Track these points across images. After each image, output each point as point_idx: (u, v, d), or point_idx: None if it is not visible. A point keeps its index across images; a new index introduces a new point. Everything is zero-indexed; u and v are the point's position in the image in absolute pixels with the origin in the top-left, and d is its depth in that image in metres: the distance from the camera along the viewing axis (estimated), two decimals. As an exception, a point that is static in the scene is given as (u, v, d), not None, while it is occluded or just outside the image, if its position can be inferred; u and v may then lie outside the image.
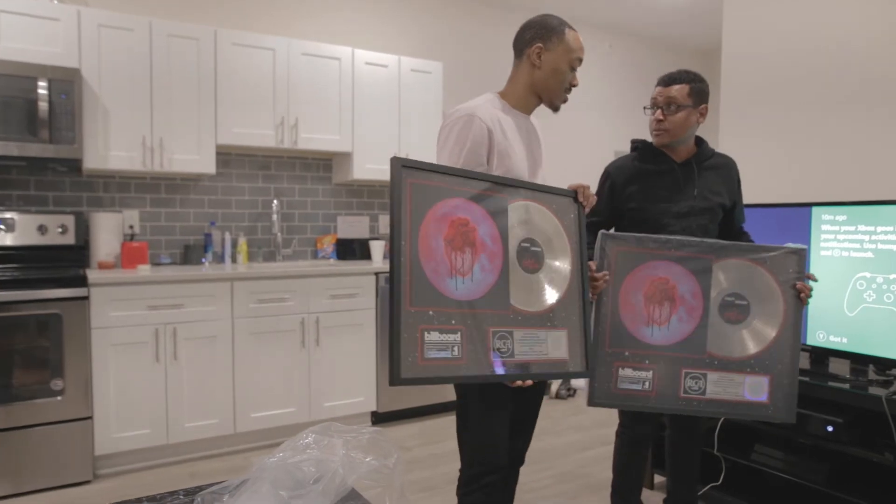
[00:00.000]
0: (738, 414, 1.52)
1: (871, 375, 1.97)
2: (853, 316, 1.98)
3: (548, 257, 1.42)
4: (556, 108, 1.59)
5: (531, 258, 1.40)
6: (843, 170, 2.46)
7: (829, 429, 1.88)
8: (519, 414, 1.64)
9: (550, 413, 3.51)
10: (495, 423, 1.47)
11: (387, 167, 3.62)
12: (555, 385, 3.94)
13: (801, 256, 1.57)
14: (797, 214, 2.15)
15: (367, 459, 1.22)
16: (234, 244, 3.43)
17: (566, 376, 1.40)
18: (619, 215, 1.79)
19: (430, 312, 1.28)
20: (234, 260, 3.40)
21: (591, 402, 1.52)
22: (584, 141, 4.90)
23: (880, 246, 1.93)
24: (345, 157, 3.55)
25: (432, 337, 1.28)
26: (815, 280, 1.58)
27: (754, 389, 1.53)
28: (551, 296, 1.40)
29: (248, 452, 2.96)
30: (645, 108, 1.74)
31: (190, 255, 3.26)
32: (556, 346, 1.39)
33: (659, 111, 1.69)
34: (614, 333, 1.53)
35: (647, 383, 1.53)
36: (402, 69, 3.62)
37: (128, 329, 2.56)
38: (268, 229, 3.52)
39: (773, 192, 2.67)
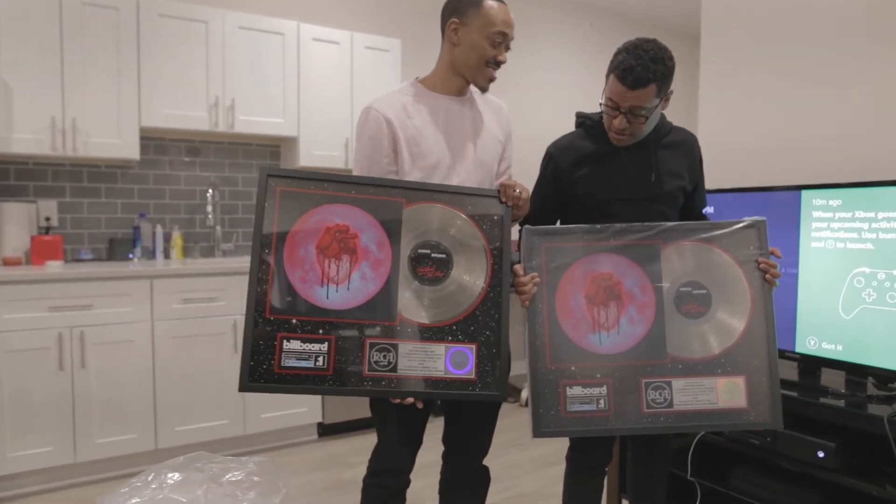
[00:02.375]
0: (716, 425, 1.47)
1: (871, 390, 1.92)
2: (850, 319, 1.91)
3: (456, 264, 1.46)
4: (482, 88, 1.65)
5: (431, 265, 1.43)
6: (837, 145, 2.35)
7: (820, 454, 1.82)
8: (449, 427, 1.73)
9: (518, 422, 3.58)
10: (389, 433, 1.61)
11: (338, 154, 3.66)
12: (524, 392, 3.95)
13: (761, 230, 1.53)
14: (783, 200, 2.08)
15: (250, 496, 1.19)
16: (168, 238, 3.54)
17: (469, 397, 1.47)
18: (565, 204, 1.76)
19: (294, 321, 1.31)
20: (166, 256, 3.51)
21: (537, 432, 1.47)
22: (564, 122, 4.84)
23: (882, 235, 1.85)
24: (292, 143, 3.67)
25: (293, 346, 1.33)
26: (779, 256, 1.53)
27: (730, 394, 1.48)
28: (457, 306, 1.43)
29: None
30: (601, 104, 1.62)
31: (116, 250, 3.37)
32: (459, 362, 1.42)
33: (621, 118, 1.58)
34: (555, 346, 1.49)
35: (602, 401, 1.48)
36: (356, 47, 3.69)
37: (25, 333, 2.65)
38: (207, 222, 3.59)
39: (755, 173, 2.62)
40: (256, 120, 3.43)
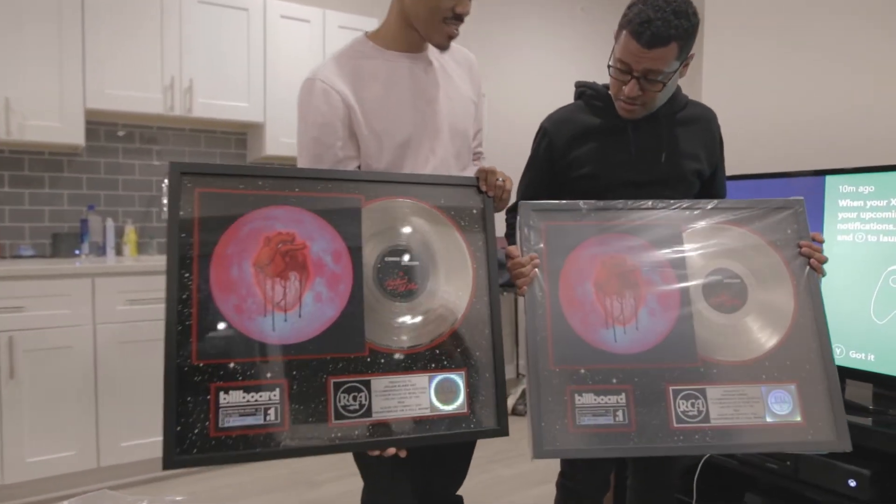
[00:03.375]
0: (767, 445, 1.20)
1: None
2: (884, 324, 1.70)
3: (432, 272, 1.22)
4: (439, 46, 1.35)
5: (402, 276, 1.17)
6: (867, 122, 2.07)
7: (852, 483, 1.61)
8: (427, 460, 1.44)
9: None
10: (377, 476, 1.36)
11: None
12: (511, 398, 3.70)
13: (799, 211, 1.32)
14: (804, 187, 1.87)
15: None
16: (120, 233, 3.24)
17: (465, 437, 1.19)
18: (559, 186, 1.50)
19: (231, 366, 1.01)
20: (118, 252, 3.21)
21: (539, 451, 1.19)
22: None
23: (925, 227, 1.65)
24: (258, 130, 3.39)
25: (233, 398, 1.04)
26: (822, 241, 1.30)
27: (780, 404, 1.22)
28: (438, 326, 1.19)
29: (119, 489, 2.61)
30: (610, 66, 1.38)
31: (60, 245, 3.06)
32: (447, 394, 1.19)
33: (633, 82, 1.33)
34: (560, 344, 1.24)
35: (620, 413, 1.21)
36: (329, 25, 3.43)
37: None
38: (163, 216, 3.33)
39: (770, 157, 2.34)
40: (218, 104, 3.13)
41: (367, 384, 1.13)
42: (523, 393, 3.74)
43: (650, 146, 1.43)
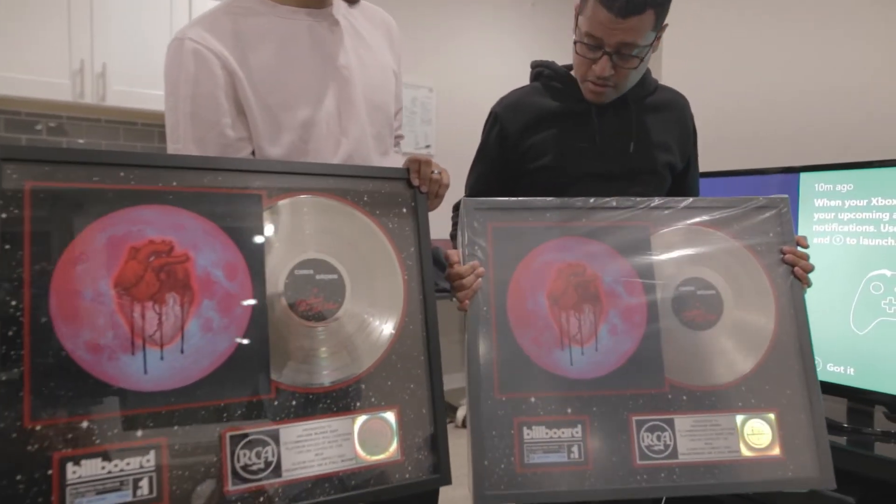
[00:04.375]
0: (741, 485, 1.06)
1: (880, 424, 1.60)
2: (864, 335, 1.59)
3: (353, 288, 0.99)
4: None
5: (316, 294, 0.97)
6: (846, 114, 1.92)
7: None
8: None
9: (452, 448, 2.99)
10: None
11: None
12: (460, 411, 3.49)
13: (783, 211, 1.16)
14: (776, 185, 1.76)
15: None
16: None
17: (399, 491, 0.96)
18: (513, 180, 1.31)
19: (84, 425, 0.72)
20: None
21: (480, 497, 1.01)
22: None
23: (909, 229, 1.54)
24: None
25: (87, 470, 0.76)
26: (806, 246, 1.16)
27: (757, 437, 1.07)
28: (362, 353, 0.94)
29: None
30: (576, 42, 1.19)
31: None
32: (375, 441, 0.97)
33: (605, 59, 1.16)
34: (507, 368, 1.06)
35: (575, 449, 1.04)
36: None
37: None
38: None
39: (738, 152, 2.15)
40: (136, 92, 2.76)
41: (275, 435, 0.88)
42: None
43: (617, 134, 1.28)
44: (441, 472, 0.99)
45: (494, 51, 4.45)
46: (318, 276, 0.96)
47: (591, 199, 1.14)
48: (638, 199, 1.15)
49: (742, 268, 1.14)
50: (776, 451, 1.07)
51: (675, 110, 1.35)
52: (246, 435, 0.87)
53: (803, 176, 1.71)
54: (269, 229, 0.94)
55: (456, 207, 1.31)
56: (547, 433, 1.04)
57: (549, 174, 1.27)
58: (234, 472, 0.85)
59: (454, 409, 3.79)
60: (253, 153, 1.04)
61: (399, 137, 1.34)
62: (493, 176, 1.32)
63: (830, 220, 1.64)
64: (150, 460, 0.80)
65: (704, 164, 1.53)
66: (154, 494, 0.80)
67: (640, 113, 1.29)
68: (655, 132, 1.30)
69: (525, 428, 1.04)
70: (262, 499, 0.86)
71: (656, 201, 1.15)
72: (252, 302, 0.90)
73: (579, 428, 1.05)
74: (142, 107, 2.80)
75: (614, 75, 1.18)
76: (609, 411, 1.06)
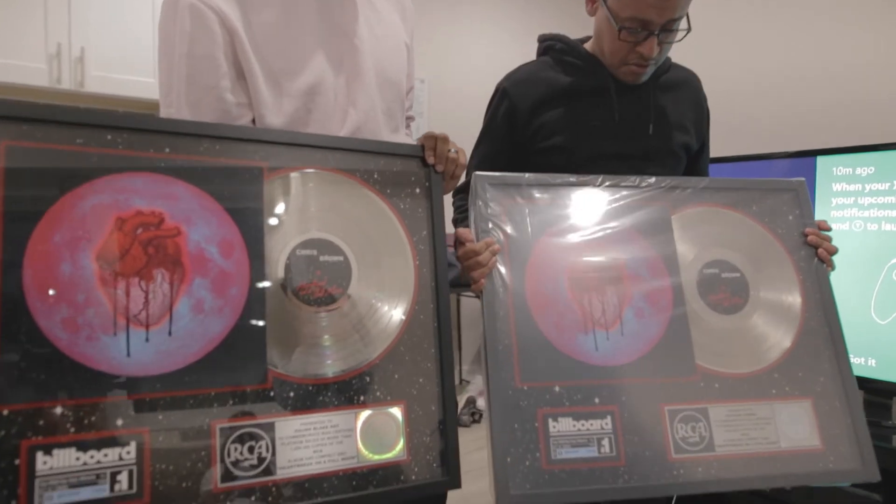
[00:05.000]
0: (782, 478, 0.98)
1: None
2: (887, 325, 1.54)
3: (360, 272, 0.92)
4: None
5: (320, 277, 0.89)
6: (865, 94, 1.84)
7: None
8: None
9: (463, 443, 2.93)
10: None
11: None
12: (482, 399, 3.42)
13: (800, 193, 1.14)
14: (791, 170, 1.70)
15: None
16: None
17: (405, 494, 0.88)
18: (521, 162, 1.24)
19: (58, 412, 0.65)
20: None
21: (504, 498, 0.91)
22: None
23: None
24: None
25: (61, 461, 0.71)
26: (828, 228, 1.13)
27: (794, 426, 1.01)
28: (368, 342, 0.91)
29: None
30: (623, 28, 1.11)
31: None
32: (380, 439, 0.89)
33: (653, 40, 1.10)
34: (528, 353, 0.98)
35: (606, 442, 0.96)
36: None
37: None
38: None
39: (750, 136, 2.07)
40: (117, 78, 2.66)
41: (270, 429, 0.81)
42: (468, 402, 3.47)
43: (636, 114, 1.21)
44: (450, 475, 0.91)
45: (487, 42, 4.33)
46: (321, 258, 0.89)
47: (610, 177, 1.08)
48: (657, 178, 1.10)
49: (765, 250, 1.10)
50: (815, 441, 1.00)
51: (690, 89, 1.30)
52: (238, 428, 0.79)
53: (820, 160, 1.65)
54: (269, 205, 0.86)
55: (458, 191, 1.24)
56: (574, 425, 0.96)
57: (561, 154, 1.20)
58: (224, 469, 0.77)
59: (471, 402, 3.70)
60: (253, 122, 0.96)
61: (410, 119, 1.26)
62: (500, 156, 1.24)
63: (850, 206, 1.59)
64: (130, 452, 0.73)
65: (714, 149, 1.46)
66: (134, 490, 0.72)
67: (656, 92, 1.23)
68: (672, 112, 1.24)
69: (550, 420, 0.95)
70: (253, 498, 0.78)
71: (675, 181, 1.11)
72: (249, 283, 0.83)
73: (609, 419, 0.97)
74: (122, 94, 2.70)
75: (660, 54, 1.13)
76: (640, 401, 0.98)
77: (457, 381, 4.05)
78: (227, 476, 0.77)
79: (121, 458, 0.72)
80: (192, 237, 0.81)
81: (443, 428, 0.92)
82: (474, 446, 3.06)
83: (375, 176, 0.95)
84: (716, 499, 1.75)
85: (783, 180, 1.15)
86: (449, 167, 0.99)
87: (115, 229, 0.76)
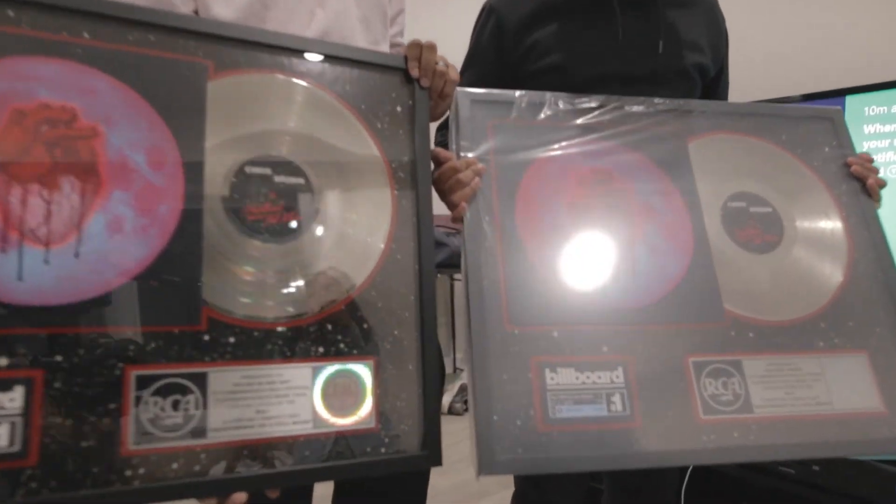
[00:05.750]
0: (834, 448, 0.82)
1: None
2: None
3: (325, 198, 0.77)
4: None
5: (274, 201, 0.74)
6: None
7: None
8: None
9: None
10: None
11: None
12: (447, 396, 3.25)
13: (837, 122, 1.01)
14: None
15: None
16: None
17: (371, 469, 0.73)
18: (513, 86, 1.05)
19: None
20: None
21: (487, 464, 0.74)
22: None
23: None
24: None
25: None
26: (872, 159, 1.00)
27: (849, 384, 0.85)
28: (331, 284, 0.76)
29: None
30: None
31: None
32: (342, 400, 0.73)
33: None
34: (520, 291, 0.82)
35: (617, 399, 0.80)
36: None
37: None
38: None
39: (769, 77, 1.90)
40: None
41: (202, 381, 0.65)
42: (462, 389, 3.31)
43: (643, 30, 1.07)
44: (429, 449, 0.75)
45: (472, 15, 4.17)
46: (277, 179, 0.73)
47: (615, 98, 0.95)
48: (670, 100, 0.97)
49: (799, 183, 0.97)
50: (875, 403, 0.84)
51: (705, 7, 1.15)
52: (159, 377, 0.64)
53: (850, 99, 1.51)
54: (214, 111, 0.71)
55: (441, 127, 1.09)
56: (578, 378, 0.79)
57: (556, 76, 1.04)
58: (138, 427, 0.62)
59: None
60: (196, 13, 0.81)
61: (398, 46, 1.10)
62: (487, 83, 1.09)
63: (885, 149, 1.47)
64: (14, 400, 0.58)
65: (738, 92, 1.29)
66: (17, 448, 0.57)
67: (666, 6, 1.09)
68: (685, 30, 1.09)
69: (547, 370, 0.79)
70: (175, 465, 0.63)
71: (691, 104, 0.99)
72: (183, 201, 0.68)
73: (620, 371, 0.80)
74: None
75: None
76: (658, 350, 0.82)
77: (450, 370, 3.88)
78: (142, 436, 0.62)
79: (2, 407, 0.57)
80: (113, 141, 0.66)
81: (422, 392, 0.76)
82: (467, 434, 2.89)
83: (347, 88, 0.80)
84: (734, 476, 1.59)
85: (817, 108, 1.02)
86: (437, 82, 0.83)
87: (11, 123, 0.62)
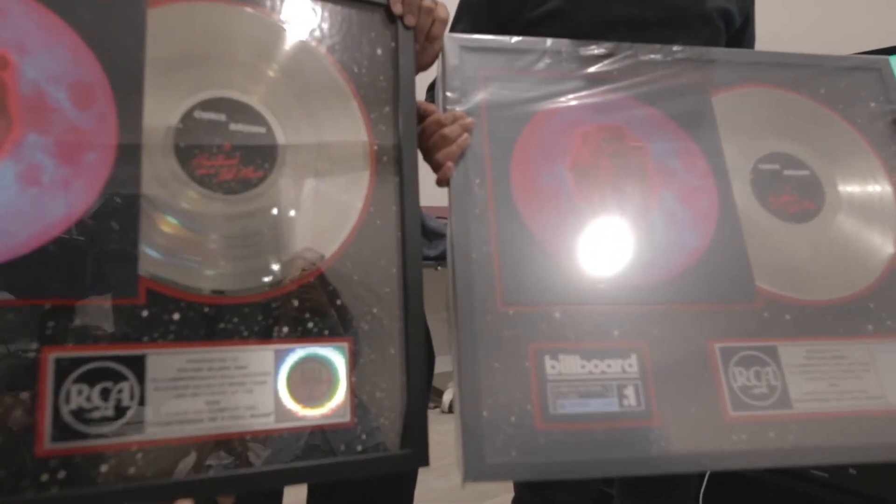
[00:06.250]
0: (886, 450, 0.70)
1: None
2: None
3: (291, 151, 0.67)
4: None
5: (230, 152, 0.63)
6: None
7: None
8: None
9: (436, 436, 2.62)
10: None
11: None
12: (447, 394, 3.13)
13: (885, 73, 0.90)
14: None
15: None
16: None
17: (344, 472, 0.62)
18: (509, 34, 0.94)
19: None
20: None
21: (474, 469, 0.63)
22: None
23: None
24: None
25: None
26: None
27: None
28: (296, 251, 0.65)
29: None
30: None
31: None
32: (310, 389, 0.63)
33: None
34: (516, 265, 0.72)
35: (631, 392, 0.69)
36: None
37: None
38: None
39: (802, 37, 1.79)
40: None
41: (138, 364, 0.54)
42: None
43: None
44: (414, 447, 0.64)
45: None
46: (232, 126, 0.62)
47: (627, 45, 0.83)
48: (690, 48, 0.85)
49: (841, 143, 0.85)
50: None
51: None
52: (84, 360, 0.52)
53: (894, 59, 1.36)
54: (157, 42, 0.60)
55: (431, 87, 0.98)
56: (584, 367, 0.68)
57: (558, 23, 0.92)
58: (57, 421, 0.51)
59: (439, 394, 3.41)
60: None
61: None
62: (480, 27, 0.97)
63: None
64: None
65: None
66: None
67: None
68: None
69: (548, 358, 0.68)
70: (104, 468, 0.52)
71: (715, 52, 0.86)
72: (116, 148, 0.56)
73: (634, 359, 0.69)
74: None
75: None
76: (679, 335, 0.71)
77: (452, 367, 3.76)
78: (63, 432, 0.51)
79: None
80: (27, 73, 0.54)
81: (405, 380, 0.66)
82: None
83: (319, 25, 0.68)
84: (759, 479, 1.50)
85: (861, 57, 0.91)
86: (423, 20, 0.72)
87: None
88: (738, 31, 1.04)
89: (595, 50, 0.82)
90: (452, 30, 1.02)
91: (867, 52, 1.41)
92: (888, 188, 0.83)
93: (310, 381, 0.61)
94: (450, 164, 0.71)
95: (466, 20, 1.00)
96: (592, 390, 0.67)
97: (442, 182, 0.73)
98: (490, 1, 0.97)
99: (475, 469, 0.63)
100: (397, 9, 0.71)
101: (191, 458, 0.55)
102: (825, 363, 0.72)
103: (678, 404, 0.68)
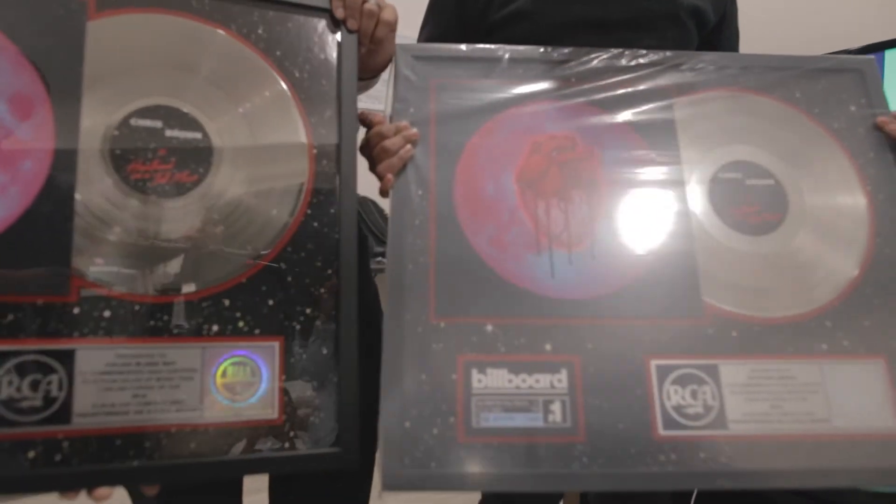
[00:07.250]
0: (834, 476, 0.68)
1: None
2: None
3: (227, 155, 0.70)
4: None
5: (165, 157, 0.66)
6: None
7: None
8: None
9: None
10: None
11: None
12: None
13: (868, 75, 0.85)
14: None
15: None
16: None
17: (271, 467, 0.65)
18: (476, 40, 0.95)
19: None
20: None
21: (392, 479, 0.66)
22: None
23: None
24: None
25: None
26: None
27: (855, 397, 0.72)
28: (231, 253, 0.69)
29: None
30: None
31: None
32: (238, 385, 0.67)
33: None
34: (451, 277, 0.73)
35: (557, 408, 0.69)
36: None
37: None
38: None
39: (796, 32, 1.76)
40: None
41: (68, 359, 0.58)
42: None
43: None
44: (343, 446, 0.66)
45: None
46: (168, 132, 0.65)
47: (585, 50, 0.82)
48: (653, 51, 0.83)
49: (813, 150, 0.81)
50: (888, 421, 0.70)
51: None
52: (15, 353, 0.57)
53: (889, 54, 1.33)
54: (94, 54, 0.64)
55: None
56: (511, 381, 0.69)
57: (524, 24, 0.93)
58: (-10, 405, 0.55)
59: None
60: None
61: None
62: (448, 38, 0.98)
63: None
64: None
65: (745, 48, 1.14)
66: None
67: None
68: None
69: (475, 371, 0.69)
70: (31, 454, 0.56)
71: (680, 56, 0.84)
72: (53, 156, 0.60)
73: (564, 374, 0.69)
74: None
75: None
76: (613, 350, 0.71)
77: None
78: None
79: None
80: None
81: (337, 380, 0.68)
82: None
83: (260, 31, 0.71)
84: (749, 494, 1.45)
85: (843, 57, 0.86)
86: (366, 24, 0.74)
87: None
88: (714, 31, 1.01)
89: (552, 55, 0.82)
90: (420, 31, 1.03)
91: (865, 46, 1.36)
92: (861, 198, 0.80)
93: (238, 379, 0.64)
94: (389, 176, 0.73)
95: (433, 22, 1.01)
96: (517, 405, 0.68)
97: (383, 193, 0.74)
98: (457, 2, 0.97)
99: (392, 478, 0.65)
100: (339, 13, 0.73)
101: (117, 449, 0.59)
102: (770, 383, 0.71)
103: (607, 421, 0.68)
